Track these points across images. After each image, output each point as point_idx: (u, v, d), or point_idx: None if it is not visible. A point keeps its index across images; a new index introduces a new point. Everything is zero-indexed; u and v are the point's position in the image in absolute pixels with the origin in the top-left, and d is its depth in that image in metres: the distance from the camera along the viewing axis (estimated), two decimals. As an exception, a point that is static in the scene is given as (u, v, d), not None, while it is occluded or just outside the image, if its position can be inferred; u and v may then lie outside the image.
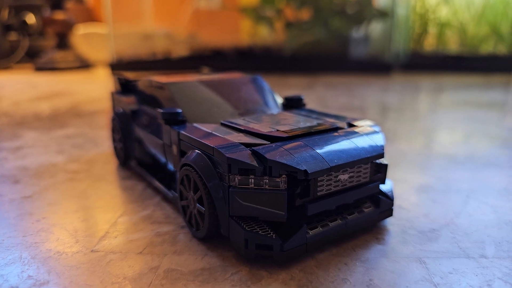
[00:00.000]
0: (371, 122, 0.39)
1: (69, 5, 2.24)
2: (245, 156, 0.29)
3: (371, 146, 0.33)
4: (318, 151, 0.30)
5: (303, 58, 1.86)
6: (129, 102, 0.49)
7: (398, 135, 0.70)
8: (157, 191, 0.44)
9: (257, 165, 0.28)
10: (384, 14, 1.82)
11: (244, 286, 0.27)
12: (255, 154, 0.29)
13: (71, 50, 2.09)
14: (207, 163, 0.31)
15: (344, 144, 0.32)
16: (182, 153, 0.36)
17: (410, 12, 1.95)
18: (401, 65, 1.89)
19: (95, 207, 0.40)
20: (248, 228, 0.29)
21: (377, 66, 1.81)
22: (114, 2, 1.96)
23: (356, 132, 0.35)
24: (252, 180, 0.29)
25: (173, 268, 0.29)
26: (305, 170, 0.28)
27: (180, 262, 0.30)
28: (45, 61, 1.99)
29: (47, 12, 2.04)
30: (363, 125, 0.38)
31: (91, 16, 2.59)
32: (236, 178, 0.29)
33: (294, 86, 1.39)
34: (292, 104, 0.46)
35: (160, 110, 0.38)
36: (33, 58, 2.17)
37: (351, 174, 0.32)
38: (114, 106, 0.55)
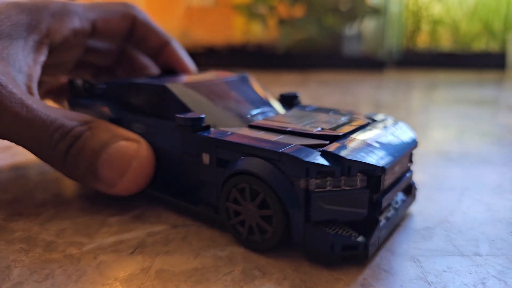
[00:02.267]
0: (386, 116, 0.41)
1: (60, 1, 2.21)
2: (322, 159, 0.28)
3: (409, 137, 0.37)
4: (378, 146, 0.31)
5: (296, 55, 1.86)
6: (104, 110, 0.42)
7: (392, 133, 0.70)
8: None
9: (337, 167, 0.28)
10: (377, 11, 1.82)
11: (237, 286, 0.27)
12: (327, 155, 0.29)
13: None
14: (274, 169, 0.29)
15: (390, 137, 0.34)
16: (219, 162, 0.33)
17: (403, 9, 1.96)
18: (394, 62, 1.90)
19: (84, 207, 0.40)
20: (332, 231, 0.29)
21: (370, 63, 1.82)
22: (105, -1, 1.94)
23: (392, 125, 0.37)
24: (330, 182, 0.28)
25: (165, 269, 0.29)
26: (382, 167, 0.28)
27: (172, 263, 0.30)
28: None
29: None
30: (384, 118, 0.40)
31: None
32: (314, 182, 0.28)
33: (287, 83, 1.39)
34: (288, 101, 0.46)
35: (181, 116, 0.34)
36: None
37: (400, 164, 0.34)
38: None
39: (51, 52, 0.41)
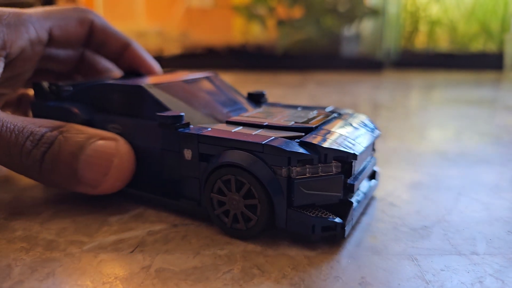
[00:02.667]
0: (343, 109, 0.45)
1: (61, 3, 2.21)
2: (301, 148, 0.31)
3: (372, 128, 0.40)
4: (347, 136, 0.34)
5: (295, 56, 1.86)
6: (75, 112, 0.41)
7: (390, 132, 0.70)
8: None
9: (315, 155, 0.30)
10: (375, 12, 1.83)
11: (236, 285, 0.27)
12: (305, 145, 0.31)
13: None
14: (257, 160, 0.31)
15: (357, 128, 0.38)
16: (201, 157, 0.34)
17: (401, 10, 1.96)
18: (392, 63, 1.90)
19: (84, 206, 0.40)
20: (312, 214, 0.31)
21: (368, 64, 1.82)
22: (106, 0, 1.94)
23: (356, 118, 0.41)
24: (309, 169, 0.30)
25: (164, 267, 0.29)
26: (354, 153, 0.31)
27: (172, 261, 0.30)
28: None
29: (37, 10, 2.02)
30: (347, 112, 0.43)
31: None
32: (295, 170, 0.30)
33: (286, 84, 1.39)
34: (256, 99, 0.48)
35: (162, 114, 0.35)
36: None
37: (367, 152, 0.38)
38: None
39: (7, 64, 0.39)
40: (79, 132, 0.36)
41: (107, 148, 0.36)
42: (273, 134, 0.33)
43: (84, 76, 0.53)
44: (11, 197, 0.42)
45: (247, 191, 0.32)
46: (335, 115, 0.41)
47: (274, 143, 0.31)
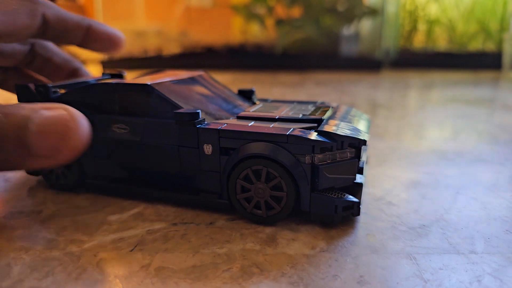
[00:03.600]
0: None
1: (60, 2, 2.21)
2: (321, 137, 0.34)
3: (366, 118, 0.45)
4: (352, 125, 0.38)
5: (294, 55, 1.86)
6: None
7: (388, 132, 0.70)
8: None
9: (334, 142, 0.33)
10: (374, 12, 1.83)
11: (235, 283, 0.27)
12: (324, 134, 0.34)
13: (62, 48, 2.07)
14: (281, 149, 0.34)
15: (356, 118, 0.42)
16: (222, 151, 0.36)
17: (400, 9, 1.96)
18: (391, 62, 1.90)
19: (83, 205, 0.40)
20: (334, 196, 0.34)
21: (367, 64, 1.82)
22: (105, 0, 1.94)
23: (350, 110, 0.45)
24: (329, 155, 0.34)
25: (164, 266, 0.29)
26: (364, 139, 0.35)
27: (171, 260, 0.30)
28: (35, 58, 1.97)
29: (37, 9, 2.02)
30: (340, 106, 0.48)
31: (82, 14, 2.56)
32: (317, 157, 0.33)
33: (285, 83, 1.39)
34: (246, 95, 0.50)
35: (180, 112, 0.36)
36: (24, 56, 2.15)
37: None
38: None
39: None
40: (21, 108, 0.33)
41: (59, 114, 0.33)
42: (289, 126, 0.36)
43: (39, 71, 0.50)
44: (12, 196, 0.42)
45: (277, 183, 0.35)
46: (333, 107, 0.45)
47: (298, 134, 0.34)
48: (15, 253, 0.31)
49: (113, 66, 1.85)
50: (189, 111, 0.36)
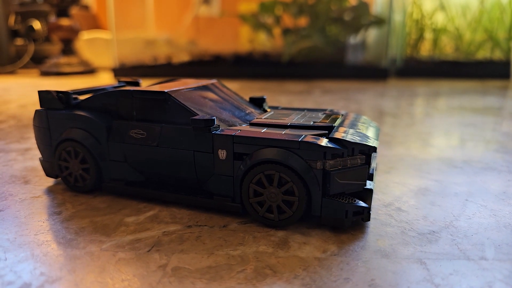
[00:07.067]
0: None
1: (74, 11, 2.26)
2: (333, 144, 0.35)
3: (375, 125, 0.46)
4: (362, 132, 0.39)
5: (301, 64, 1.87)
6: (94, 120, 0.42)
7: (396, 139, 0.71)
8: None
9: (344, 149, 0.34)
10: (381, 21, 1.84)
11: (249, 284, 0.28)
12: (335, 141, 0.35)
13: (76, 55, 2.12)
14: (293, 155, 0.35)
15: (365, 126, 0.42)
16: (235, 156, 0.37)
17: (407, 18, 1.97)
18: (397, 71, 1.91)
19: (101, 207, 0.41)
20: (345, 201, 0.35)
21: (373, 72, 1.82)
22: (117, 9, 1.98)
23: (360, 117, 0.46)
24: (339, 161, 0.34)
25: (180, 266, 0.30)
26: (374, 146, 0.36)
27: (187, 261, 0.31)
28: (50, 65, 2.03)
29: (52, 19, 2.08)
30: (348, 113, 0.48)
31: (95, 23, 2.61)
32: (328, 163, 0.34)
33: (292, 91, 1.40)
34: (257, 103, 0.52)
35: (196, 118, 0.37)
36: (39, 63, 2.20)
37: None
38: (53, 128, 0.45)
39: None
40: None
41: None
42: (301, 133, 0.37)
43: None
44: (32, 197, 0.43)
45: (289, 188, 0.35)
46: (342, 114, 0.46)
47: (310, 140, 0.35)
48: (37, 251, 0.32)
49: (124, 73, 1.88)
50: (204, 118, 0.37)
